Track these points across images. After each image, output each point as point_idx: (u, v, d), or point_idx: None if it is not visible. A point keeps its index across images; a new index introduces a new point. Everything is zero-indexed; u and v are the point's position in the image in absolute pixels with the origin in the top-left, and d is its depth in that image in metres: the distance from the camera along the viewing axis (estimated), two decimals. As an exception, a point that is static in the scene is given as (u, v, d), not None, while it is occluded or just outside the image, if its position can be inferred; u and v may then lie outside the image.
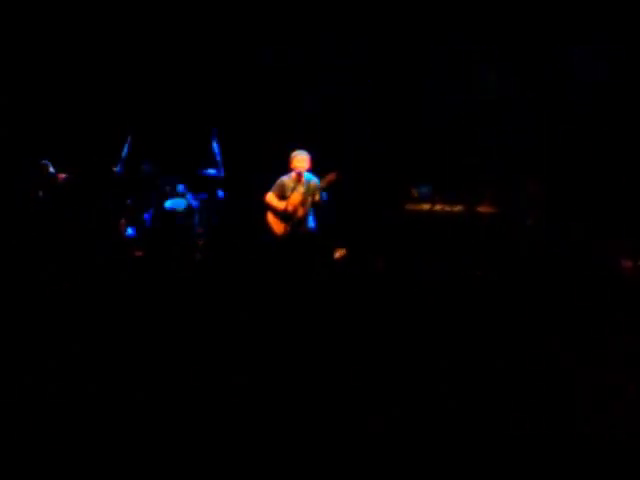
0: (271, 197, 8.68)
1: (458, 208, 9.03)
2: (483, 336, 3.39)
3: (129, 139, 9.17)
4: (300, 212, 8.56)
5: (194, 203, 9.52)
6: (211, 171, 9.41)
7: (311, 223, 8.61)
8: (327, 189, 8.53)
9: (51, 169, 9.59)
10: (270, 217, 8.72)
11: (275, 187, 8.68)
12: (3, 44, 9.25)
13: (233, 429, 2.86)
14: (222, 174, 9.32)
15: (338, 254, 7.23)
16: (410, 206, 9.18)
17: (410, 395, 2.94)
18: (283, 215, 8.60)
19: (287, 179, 8.67)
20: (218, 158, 9.28)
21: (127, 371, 3.17)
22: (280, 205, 8.63)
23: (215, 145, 9.22)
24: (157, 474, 2.70)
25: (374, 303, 3.75)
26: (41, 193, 9.52)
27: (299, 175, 8.56)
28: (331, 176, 8.41)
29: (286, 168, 8.68)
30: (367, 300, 3.76)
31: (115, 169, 9.19)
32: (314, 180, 8.59)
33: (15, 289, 3.88)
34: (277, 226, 8.66)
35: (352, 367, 3.08)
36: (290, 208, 8.57)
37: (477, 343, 3.33)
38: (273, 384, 2.99)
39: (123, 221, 9.06)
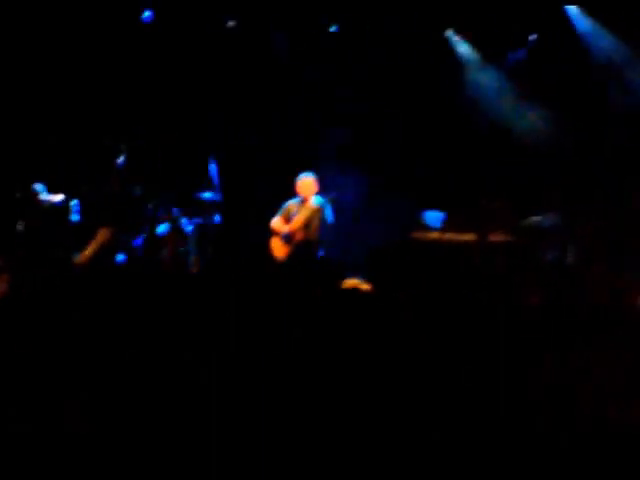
0: (276, 222, 8.40)
1: (469, 236, 8.60)
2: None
3: (124, 157, 8.62)
4: (300, 235, 8.24)
5: (188, 228, 8.96)
6: (208, 194, 8.90)
7: (316, 249, 8.25)
8: (331, 205, 8.20)
9: (42, 194, 8.91)
10: (273, 242, 8.42)
11: (281, 211, 8.48)
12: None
13: (233, 435, 2.78)
14: (219, 198, 8.82)
15: (351, 283, 6.79)
16: (418, 234, 8.73)
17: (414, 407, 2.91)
18: (285, 238, 8.28)
19: (292, 203, 8.45)
20: (216, 181, 8.78)
21: (122, 378, 3.16)
22: (283, 228, 8.31)
23: (213, 167, 8.75)
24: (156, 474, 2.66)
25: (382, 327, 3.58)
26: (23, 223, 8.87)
27: (305, 200, 8.28)
28: (332, 195, 8.15)
29: (291, 192, 8.37)
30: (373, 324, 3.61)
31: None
32: (318, 202, 8.26)
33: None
34: (278, 250, 8.34)
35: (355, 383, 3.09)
36: (291, 230, 8.25)
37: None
38: (274, 400, 2.92)
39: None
